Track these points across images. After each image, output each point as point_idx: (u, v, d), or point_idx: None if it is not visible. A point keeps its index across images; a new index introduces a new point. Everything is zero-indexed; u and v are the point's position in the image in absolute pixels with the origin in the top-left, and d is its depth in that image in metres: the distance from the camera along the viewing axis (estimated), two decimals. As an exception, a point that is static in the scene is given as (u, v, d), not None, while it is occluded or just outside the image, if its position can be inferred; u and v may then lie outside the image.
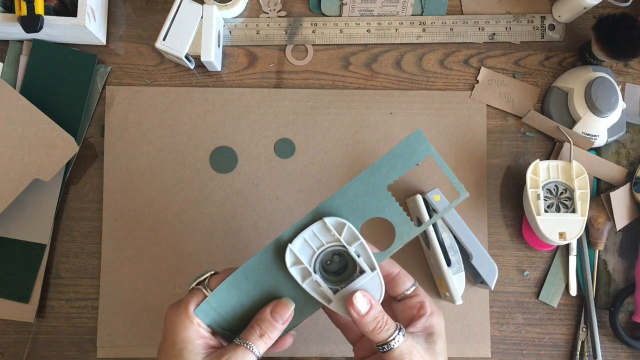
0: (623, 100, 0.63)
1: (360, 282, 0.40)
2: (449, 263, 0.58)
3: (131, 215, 0.62)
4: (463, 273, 0.58)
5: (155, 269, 0.62)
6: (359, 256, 0.40)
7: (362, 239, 0.40)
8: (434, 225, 0.58)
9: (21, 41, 0.63)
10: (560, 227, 0.59)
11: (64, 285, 0.62)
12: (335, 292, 0.41)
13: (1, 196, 0.57)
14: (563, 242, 0.59)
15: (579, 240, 0.63)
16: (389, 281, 0.45)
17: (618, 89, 0.60)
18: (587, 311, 0.62)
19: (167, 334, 0.40)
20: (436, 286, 0.62)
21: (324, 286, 0.40)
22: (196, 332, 0.40)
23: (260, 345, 0.40)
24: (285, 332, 0.42)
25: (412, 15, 0.65)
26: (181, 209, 0.62)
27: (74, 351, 0.61)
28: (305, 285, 0.40)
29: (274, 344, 0.42)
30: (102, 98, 0.63)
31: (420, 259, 0.63)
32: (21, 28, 0.56)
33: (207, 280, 0.42)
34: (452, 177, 0.41)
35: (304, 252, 0.41)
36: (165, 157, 0.63)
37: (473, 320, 0.63)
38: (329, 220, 0.40)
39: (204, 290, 0.41)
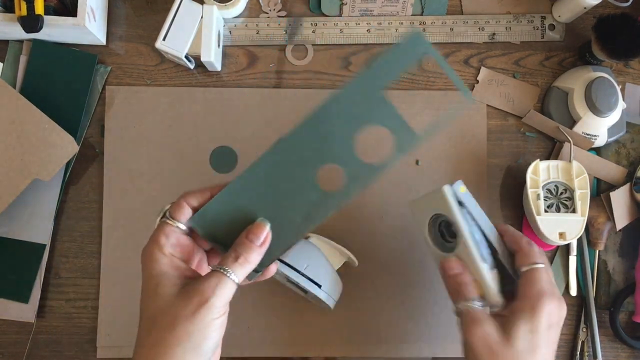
0: (623, 100, 0.63)
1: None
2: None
3: (131, 215, 0.62)
4: (496, 270, 0.50)
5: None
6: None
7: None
8: (466, 219, 0.50)
9: (21, 41, 0.62)
10: (560, 227, 0.59)
11: (64, 285, 0.62)
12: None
13: (1, 196, 0.57)
14: (563, 242, 0.59)
15: (579, 241, 0.63)
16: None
17: (618, 88, 0.60)
18: (587, 311, 0.62)
19: (143, 273, 0.39)
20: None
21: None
22: (170, 263, 0.39)
23: (238, 269, 0.38)
24: (278, 255, 0.41)
25: (412, 15, 0.65)
26: (181, 209, 0.62)
27: (74, 351, 0.61)
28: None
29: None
30: (102, 98, 0.63)
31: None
32: (21, 28, 0.56)
33: (167, 212, 0.41)
34: (453, 77, 0.39)
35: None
36: (165, 157, 0.63)
37: (473, 320, 0.62)
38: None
39: (169, 222, 0.40)
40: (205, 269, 0.43)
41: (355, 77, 0.39)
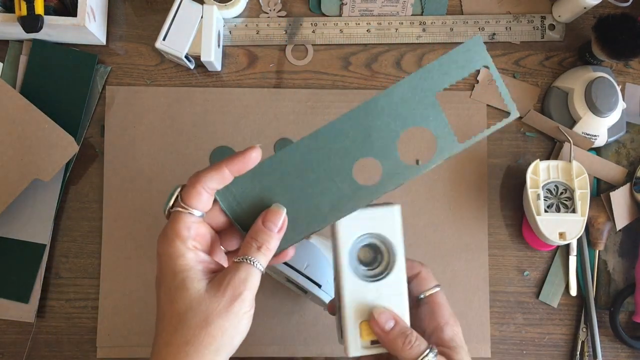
0: (623, 100, 0.63)
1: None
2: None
3: (131, 215, 0.62)
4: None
5: (155, 269, 0.61)
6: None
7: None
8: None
9: (21, 41, 0.63)
10: (560, 227, 0.59)
11: (64, 285, 0.62)
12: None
13: (1, 196, 0.57)
14: (563, 242, 0.59)
15: (579, 240, 0.63)
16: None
17: (618, 88, 0.60)
18: (587, 311, 0.62)
19: (162, 266, 0.38)
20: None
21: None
22: (195, 257, 0.37)
23: (261, 258, 0.38)
24: (297, 240, 0.40)
25: (412, 15, 0.65)
26: (181, 209, 0.62)
27: (74, 351, 0.61)
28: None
29: (275, 256, 0.40)
30: (102, 98, 0.63)
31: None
32: (21, 28, 0.56)
33: (179, 198, 0.38)
34: (505, 94, 0.39)
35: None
36: (165, 157, 0.63)
37: (473, 320, 0.63)
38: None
39: (183, 210, 0.37)
40: (219, 254, 0.42)
41: (410, 76, 0.39)
